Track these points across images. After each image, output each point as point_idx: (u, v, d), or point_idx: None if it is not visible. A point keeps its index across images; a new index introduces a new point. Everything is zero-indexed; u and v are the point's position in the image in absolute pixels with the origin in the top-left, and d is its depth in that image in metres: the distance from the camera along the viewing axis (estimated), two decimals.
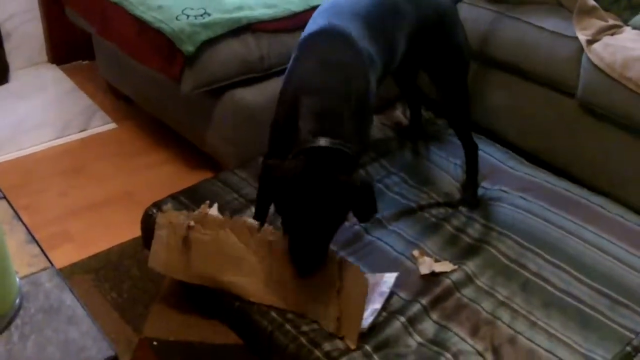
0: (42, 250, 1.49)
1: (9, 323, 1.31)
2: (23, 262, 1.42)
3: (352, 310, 1.89)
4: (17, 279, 1.37)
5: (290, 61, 2.01)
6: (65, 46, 3.77)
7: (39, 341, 1.28)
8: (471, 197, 2.43)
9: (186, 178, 2.75)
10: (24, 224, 1.55)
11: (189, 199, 2.34)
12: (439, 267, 2.12)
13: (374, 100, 1.98)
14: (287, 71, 2.00)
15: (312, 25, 2.04)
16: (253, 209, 2.26)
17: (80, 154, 3.07)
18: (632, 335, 1.90)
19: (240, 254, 2.02)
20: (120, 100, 3.39)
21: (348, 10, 2.05)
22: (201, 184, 2.47)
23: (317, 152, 1.79)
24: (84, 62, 3.80)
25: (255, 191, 2.36)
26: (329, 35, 1.97)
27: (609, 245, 2.21)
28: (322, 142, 1.79)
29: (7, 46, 3.65)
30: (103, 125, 3.26)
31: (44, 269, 1.44)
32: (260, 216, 1.93)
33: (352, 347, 1.85)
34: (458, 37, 2.34)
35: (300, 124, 1.85)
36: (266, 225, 2.04)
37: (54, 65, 3.79)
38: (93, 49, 3.46)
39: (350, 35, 1.95)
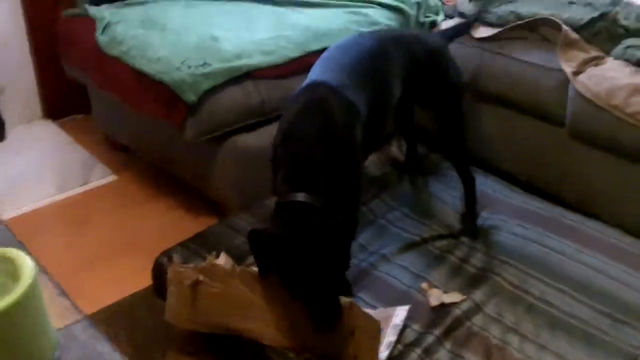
0: (72, 302, 1.54)
1: None
2: (56, 314, 1.46)
3: (368, 347, 1.92)
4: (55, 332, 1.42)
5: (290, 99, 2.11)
6: (60, 101, 3.83)
7: None
8: (471, 227, 2.50)
9: (191, 224, 2.80)
10: (51, 278, 1.61)
11: (198, 245, 2.38)
12: (448, 298, 2.17)
13: (358, 147, 2.06)
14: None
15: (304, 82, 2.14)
16: None
17: (82, 207, 3.12)
18: (637, 352, 1.96)
19: (251, 302, 2.06)
20: (117, 152, 3.44)
21: (335, 63, 2.16)
22: (209, 230, 2.51)
23: (293, 208, 1.89)
24: (79, 116, 3.85)
25: None
26: (312, 89, 2.07)
27: (607, 267, 2.27)
28: (299, 197, 1.88)
29: (1, 102, 3.69)
30: (103, 177, 3.31)
31: (77, 322, 1.49)
32: (264, 275, 2.02)
33: None
34: (450, 74, 2.43)
35: (278, 176, 1.96)
36: None
37: (49, 121, 3.84)
38: (87, 103, 3.52)
39: (333, 87, 2.04)
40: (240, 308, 2.06)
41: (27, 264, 1.32)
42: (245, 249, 2.33)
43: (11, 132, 3.71)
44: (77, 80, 3.32)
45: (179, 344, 2.22)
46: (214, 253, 2.18)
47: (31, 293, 1.29)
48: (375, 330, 1.90)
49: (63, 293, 1.57)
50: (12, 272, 1.31)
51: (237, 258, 2.24)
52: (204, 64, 2.62)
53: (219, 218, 2.72)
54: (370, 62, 2.18)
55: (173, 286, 2.12)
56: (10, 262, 1.34)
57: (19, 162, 3.46)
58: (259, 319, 2.04)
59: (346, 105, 2.04)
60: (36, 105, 3.85)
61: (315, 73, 2.15)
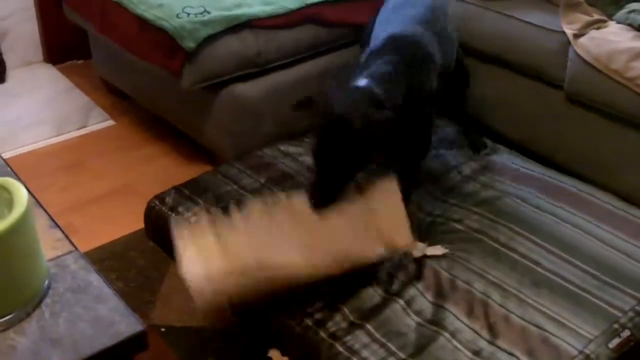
0: (65, 234, 1.56)
1: (40, 302, 1.38)
2: (48, 245, 1.49)
3: (393, 217, 1.98)
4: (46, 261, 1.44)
5: (369, 49, 2.20)
6: (60, 46, 3.83)
7: (70, 318, 1.35)
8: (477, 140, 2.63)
9: (184, 170, 2.83)
10: (45, 210, 1.63)
11: (192, 191, 2.40)
12: (431, 251, 2.20)
13: (432, 94, 2.20)
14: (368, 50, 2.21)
15: (387, 28, 2.24)
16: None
17: (79, 150, 3.13)
18: (620, 314, 1.97)
19: (275, 232, 1.98)
20: (116, 98, 3.45)
21: (407, 17, 2.28)
22: (202, 176, 2.53)
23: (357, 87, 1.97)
24: (78, 62, 3.87)
25: (254, 182, 2.47)
26: (401, 40, 2.18)
27: (598, 230, 2.28)
28: (361, 82, 1.97)
29: (3, 46, 3.70)
30: (101, 121, 3.33)
31: (69, 252, 1.51)
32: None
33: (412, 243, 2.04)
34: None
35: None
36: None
37: (50, 65, 3.85)
38: (87, 48, 3.53)
39: (417, 40, 2.18)
40: (268, 240, 1.97)
41: (21, 193, 1.34)
42: (237, 196, 2.35)
43: (12, 75, 3.71)
44: (78, 25, 3.31)
45: (169, 284, 2.27)
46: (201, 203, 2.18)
47: (25, 220, 1.31)
48: (394, 197, 1.97)
49: (55, 225, 1.59)
50: (8, 201, 1.34)
51: (225, 206, 2.21)
52: (204, 12, 2.63)
53: (213, 165, 2.75)
54: (436, 16, 2.32)
55: (190, 245, 1.91)
56: (6, 191, 1.36)
57: (18, 105, 3.47)
58: (288, 250, 1.95)
59: (430, 57, 2.19)
60: (37, 50, 3.86)
61: (392, 26, 2.23)
